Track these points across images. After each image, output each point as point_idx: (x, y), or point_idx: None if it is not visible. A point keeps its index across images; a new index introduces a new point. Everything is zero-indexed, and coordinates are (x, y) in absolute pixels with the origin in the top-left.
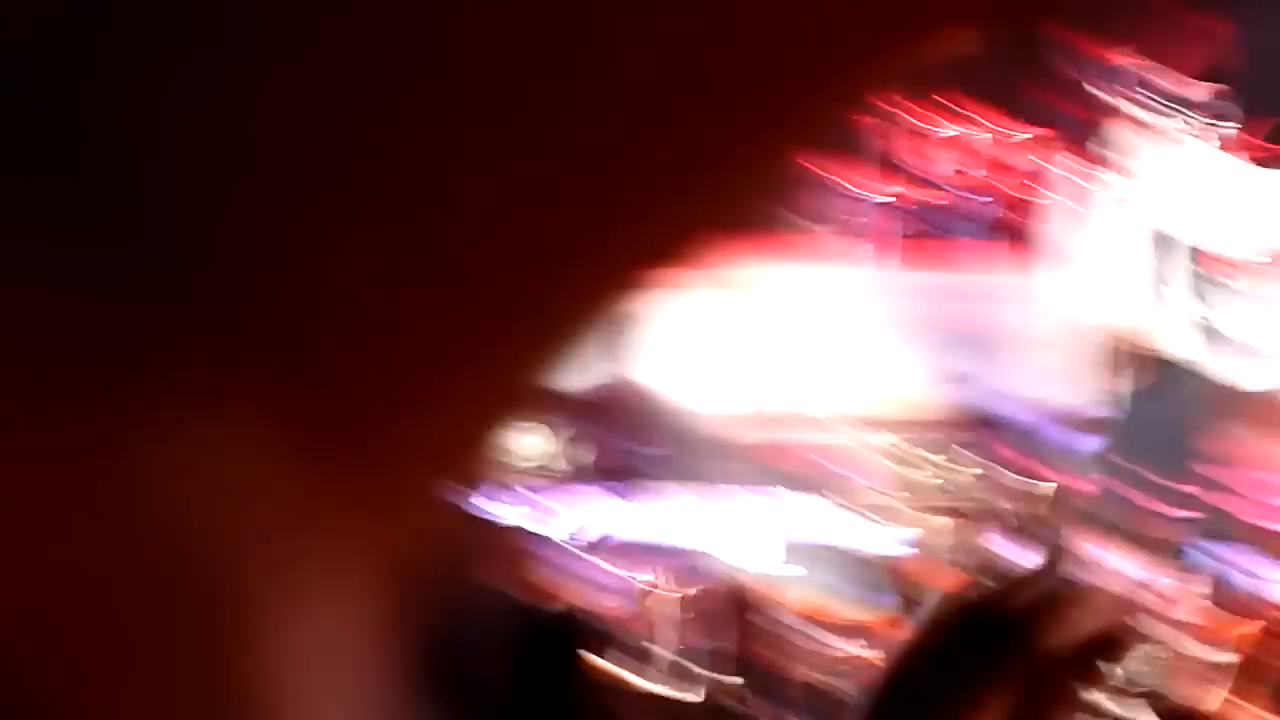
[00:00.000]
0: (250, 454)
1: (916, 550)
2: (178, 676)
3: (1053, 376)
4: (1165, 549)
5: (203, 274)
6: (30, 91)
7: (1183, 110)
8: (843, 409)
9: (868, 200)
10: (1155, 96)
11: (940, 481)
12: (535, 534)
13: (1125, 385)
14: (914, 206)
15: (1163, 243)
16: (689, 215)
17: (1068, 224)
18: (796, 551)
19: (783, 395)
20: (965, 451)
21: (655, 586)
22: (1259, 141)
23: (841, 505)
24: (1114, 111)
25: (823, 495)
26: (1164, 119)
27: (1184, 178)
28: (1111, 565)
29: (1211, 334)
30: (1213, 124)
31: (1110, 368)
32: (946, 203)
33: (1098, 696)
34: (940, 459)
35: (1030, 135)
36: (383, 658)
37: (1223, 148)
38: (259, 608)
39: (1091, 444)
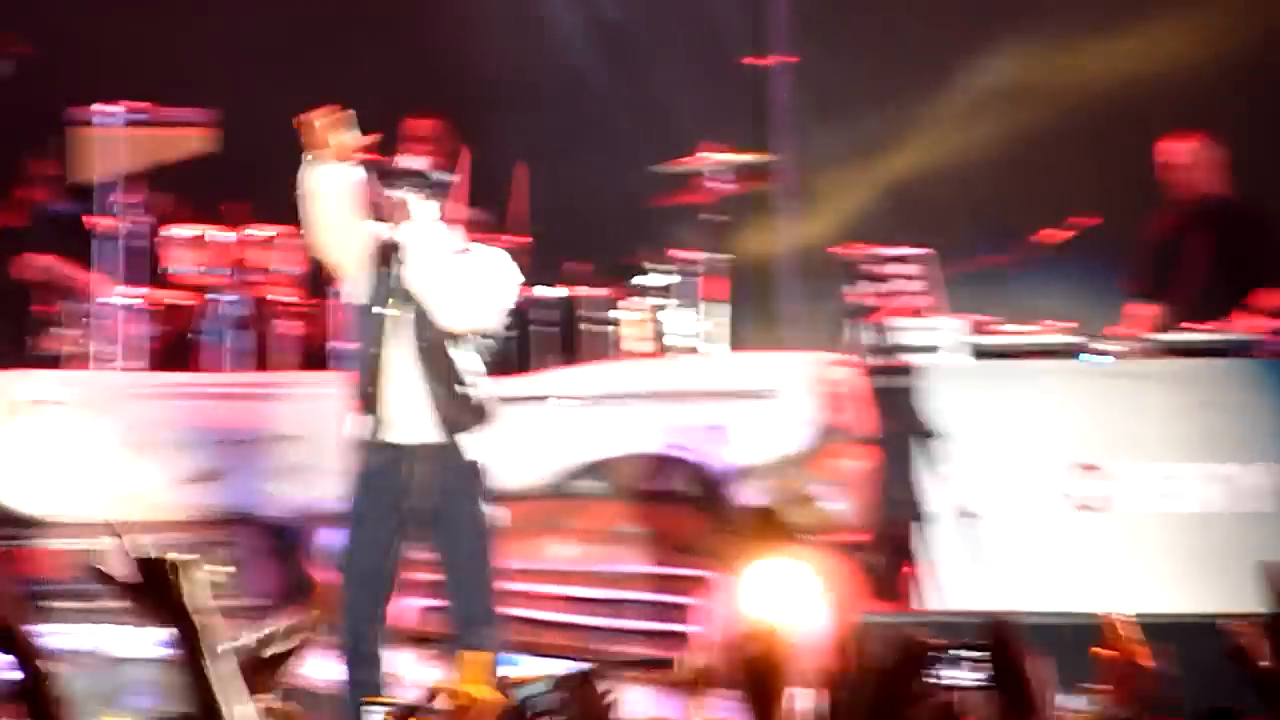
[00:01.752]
0: None
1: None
2: None
3: (308, 472)
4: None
5: None
6: None
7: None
8: (86, 512)
9: (114, 303)
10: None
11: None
12: None
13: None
14: (160, 307)
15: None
16: None
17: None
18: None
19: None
20: (222, 551)
21: None
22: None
23: (85, 609)
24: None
25: (66, 600)
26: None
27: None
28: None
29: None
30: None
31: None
32: (193, 302)
33: None
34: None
35: (274, 233)
36: None
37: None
38: None
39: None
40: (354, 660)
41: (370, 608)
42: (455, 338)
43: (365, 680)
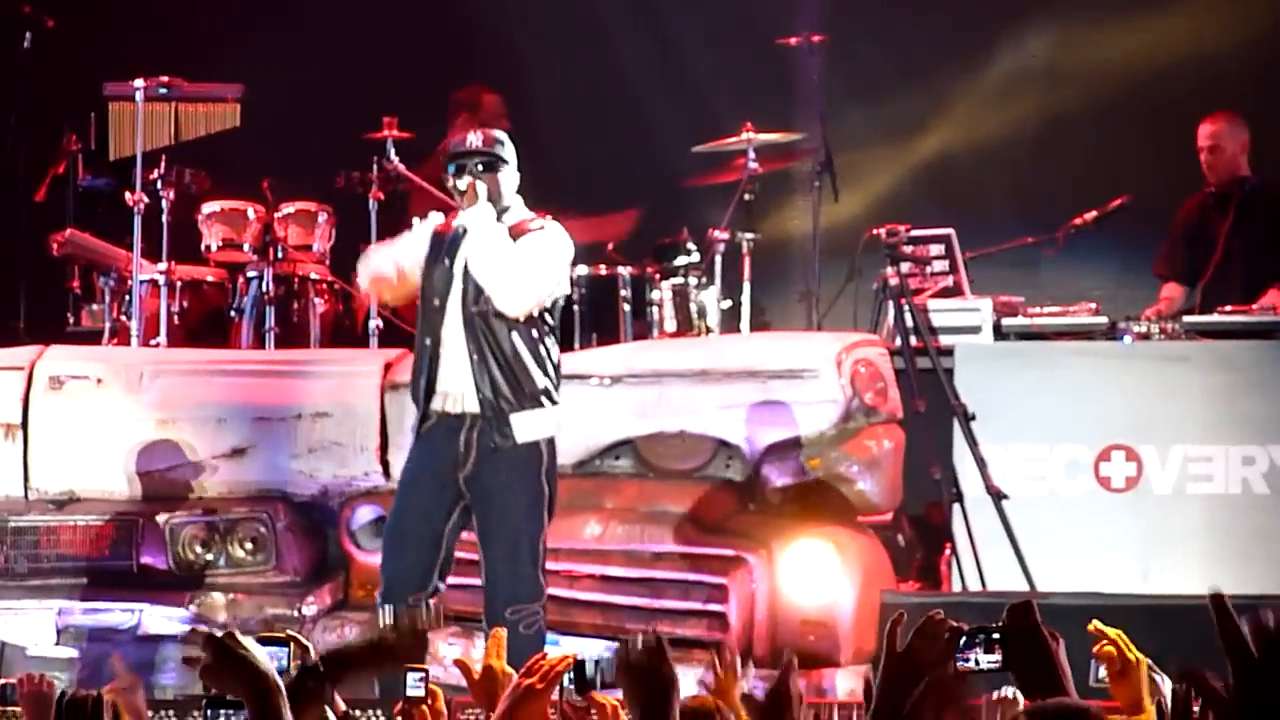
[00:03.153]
0: None
1: (195, 626)
2: None
3: (341, 449)
4: None
5: None
6: None
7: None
8: (118, 488)
9: (136, 278)
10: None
11: (214, 557)
12: None
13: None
14: (195, 283)
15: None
16: None
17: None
18: (71, 633)
19: (58, 477)
20: (246, 526)
21: None
22: None
23: (118, 586)
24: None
25: (99, 575)
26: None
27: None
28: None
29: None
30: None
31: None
32: (215, 278)
33: None
34: (220, 534)
35: (295, 210)
36: None
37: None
38: None
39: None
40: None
41: (410, 574)
42: (510, 319)
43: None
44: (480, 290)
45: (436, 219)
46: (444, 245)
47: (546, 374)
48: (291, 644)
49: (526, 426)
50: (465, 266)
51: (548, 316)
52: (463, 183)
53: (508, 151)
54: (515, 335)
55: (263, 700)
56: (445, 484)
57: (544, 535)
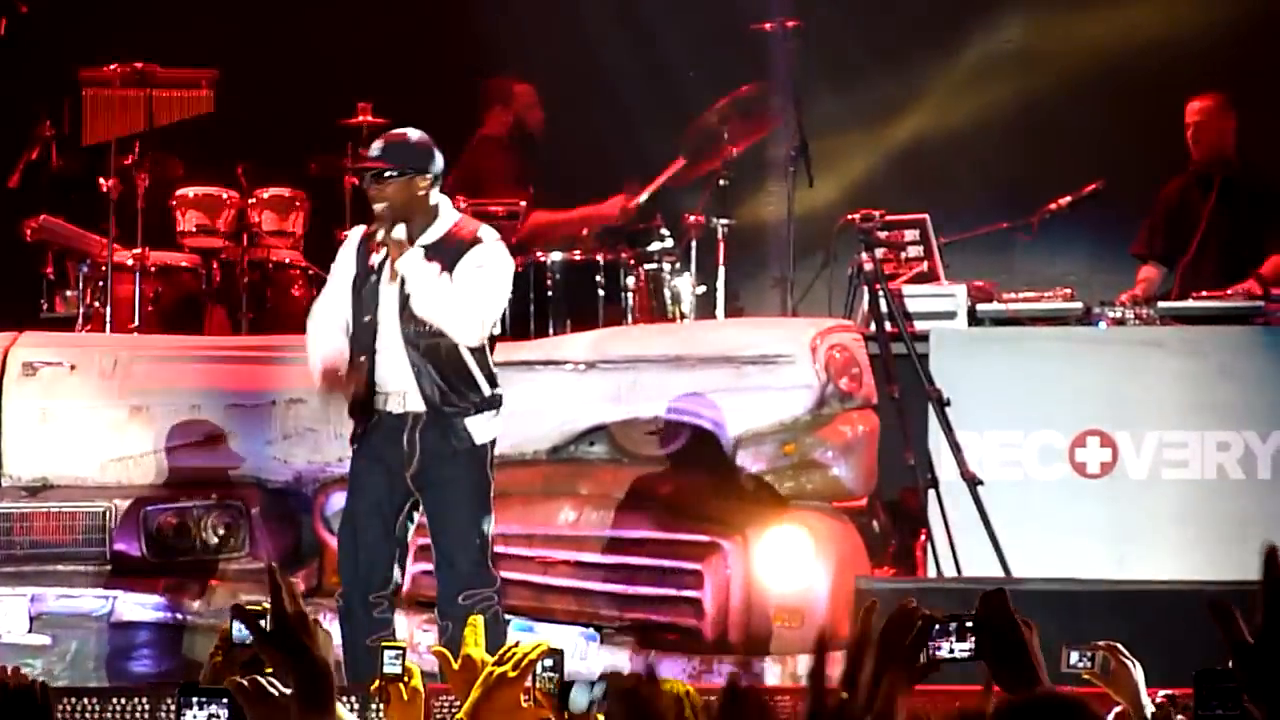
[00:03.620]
0: None
1: (169, 614)
2: None
3: (315, 435)
4: None
5: None
6: None
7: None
8: (91, 474)
9: (110, 264)
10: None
11: (188, 543)
12: None
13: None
14: (156, 268)
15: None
16: None
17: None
18: (45, 620)
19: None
20: (220, 513)
21: None
22: None
23: (91, 571)
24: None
25: (72, 562)
26: None
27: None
28: None
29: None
30: None
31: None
32: (188, 264)
33: None
34: (192, 522)
35: (270, 196)
36: None
37: None
38: None
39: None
40: (348, 621)
41: (371, 573)
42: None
43: (361, 640)
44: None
45: (356, 236)
46: (371, 262)
47: (488, 376)
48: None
49: (481, 429)
50: (401, 282)
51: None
52: (376, 205)
53: (416, 154)
54: (459, 346)
55: (317, 690)
56: (394, 482)
57: (490, 523)
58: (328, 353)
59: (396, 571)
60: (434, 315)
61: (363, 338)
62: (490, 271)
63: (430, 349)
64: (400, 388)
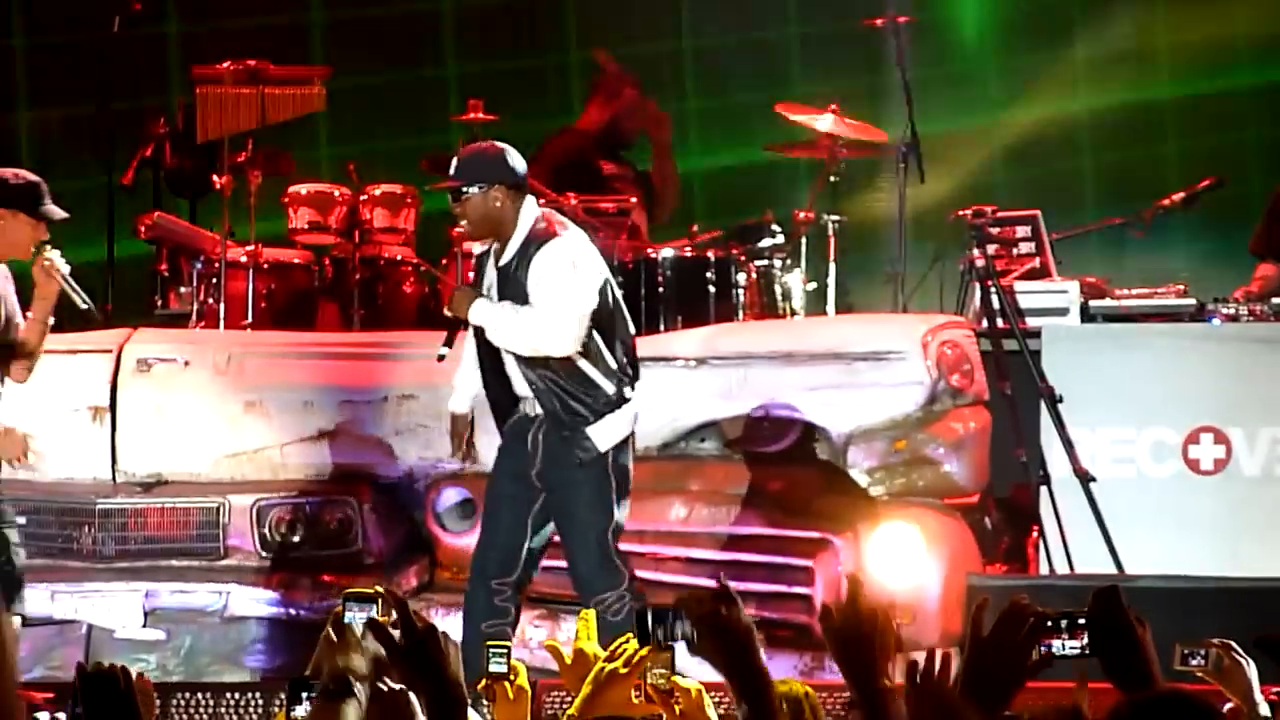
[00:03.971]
0: None
1: (283, 610)
2: None
3: (426, 431)
4: None
5: None
6: None
7: None
8: (205, 470)
9: (223, 261)
10: None
11: (301, 539)
12: None
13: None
14: (269, 264)
15: None
16: None
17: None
18: (159, 615)
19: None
20: (332, 508)
21: None
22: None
23: (205, 567)
24: None
25: (186, 558)
26: None
27: None
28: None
29: None
30: None
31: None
32: (301, 260)
33: None
34: (304, 517)
35: (381, 192)
36: None
37: None
38: None
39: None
40: (469, 605)
41: (499, 559)
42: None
43: (482, 635)
44: None
45: (479, 249)
46: (481, 274)
47: (610, 373)
48: (379, 600)
49: (605, 435)
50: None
51: (593, 319)
52: (460, 223)
53: (489, 167)
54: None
55: (448, 708)
56: (524, 478)
57: (614, 524)
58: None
59: (523, 563)
60: (518, 350)
61: (481, 338)
62: (552, 280)
63: (539, 361)
64: (525, 394)
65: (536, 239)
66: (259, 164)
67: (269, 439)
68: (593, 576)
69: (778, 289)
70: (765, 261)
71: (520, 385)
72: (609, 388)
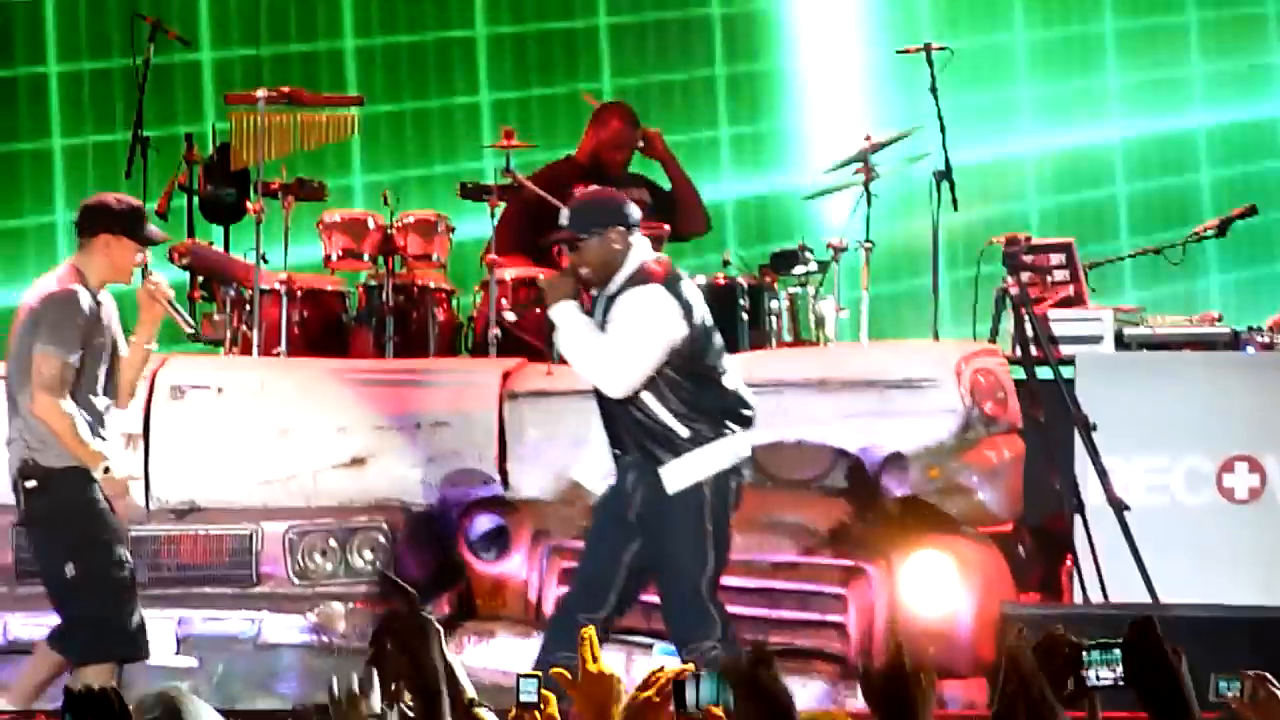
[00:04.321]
0: None
1: (315, 636)
2: None
3: (459, 458)
4: None
5: None
6: None
7: None
8: (237, 497)
9: (257, 288)
10: None
11: (334, 566)
12: None
13: None
14: (302, 291)
15: None
16: None
17: None
18: (192, 643)
19: (179, 486)
20: (365, 535)
21: None
22: None
23: (238, 594)
24: None
25: (219, 585)
26: None
27: None
28: None
29: None
30: None
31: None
32: (334, 287)
33: None
34: (339, 544)
35: (415, 219)
36: None
37: None
38: None
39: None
40: (551, 630)
41: (587, 593)
42: None
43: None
44: None
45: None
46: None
47: (682, 416)
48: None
49: (677, 475)
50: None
51: (673, 364)
52: (580, 271)
53: (601, 213)
54: (643, 394)
55: (430, 701)
56: (621, 517)
57: (710, 571)
58: None
59: (612, 603)
60: (577, 369)
61: None
62: (629, 323)
63: (626, 400)
64: (621, 432)
65: (634, 279)
66: (293, 190)
67: (302, 466)
68: (684, 623)
69: (810, 316)
70: (798, 288)
71: (616, 423)
72: (682, 430)
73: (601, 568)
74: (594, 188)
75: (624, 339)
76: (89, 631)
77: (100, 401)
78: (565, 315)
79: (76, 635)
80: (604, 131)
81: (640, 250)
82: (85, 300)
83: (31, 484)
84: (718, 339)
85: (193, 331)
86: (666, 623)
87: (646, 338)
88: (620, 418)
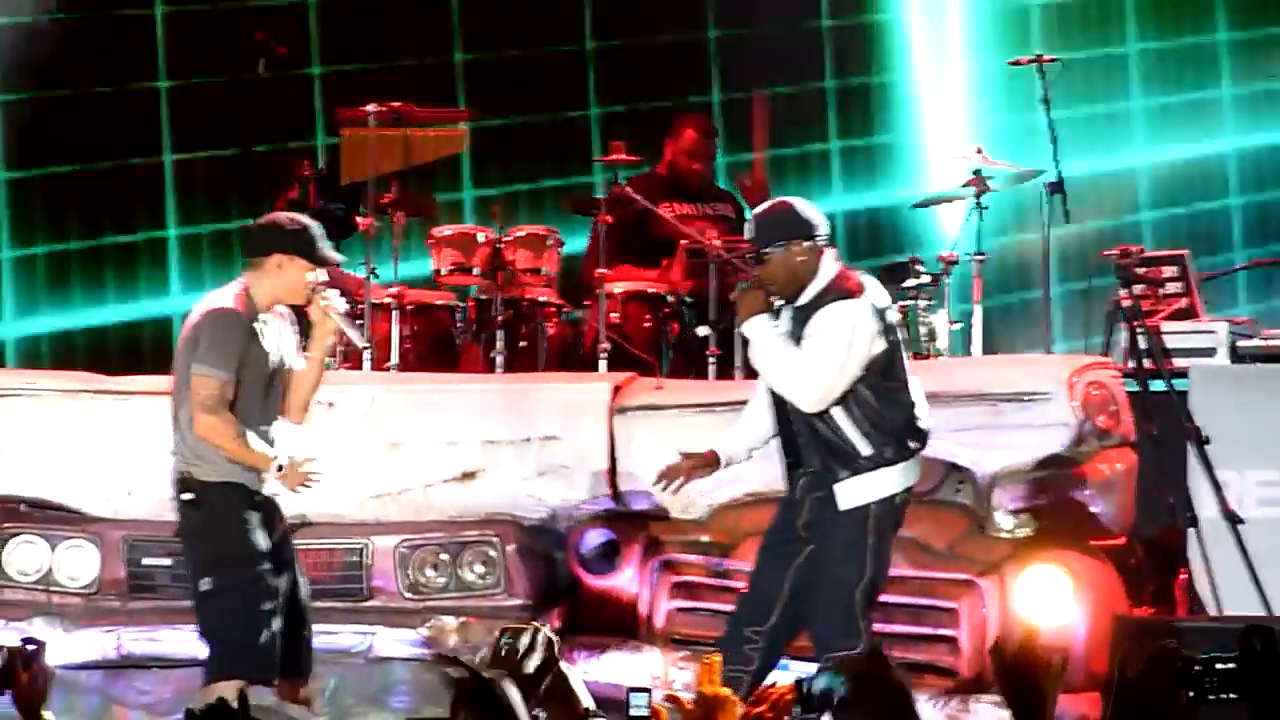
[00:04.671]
0: None
1: (426, 651)
2: None
3: (570, 473)
4: None
5: None
6: None
7: None
8: (349, 511)
9: (368, 303)
10: None
11: (445, 580)
12: None
13: None
14: (413, 306)
15: None
16: None
17: None
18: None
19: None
20: (476, 549)
21: None
22: None
23: (349, 608)
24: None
25: (331, 599)
26: None
27: None
28: None
29: None
30: None
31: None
32: (444, 302)
33: None
34: (449, 558)
35: (525, 233)
36: None
37: None
38: None
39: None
40: (720, 644)
41: (754, 607)
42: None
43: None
44: None
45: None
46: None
47: (869, 434)
48: (535, 632)
49: (852, 493)
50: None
51: (866, 380)
52: (767, 285)
53: (786, 225)
54: (833, 409)
55: None
56: (790, 530)
57: (865, 583)
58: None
59: (778, 614)
60: (771, 382)
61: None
62: (825, 337)
63: (812, 414)
64: (800, 445)
65: (832, 290)
66: (402, 205)
67: (413, 480)
68: (830, 629)
69: (922, 329)
70: (910, 301)
71: (797, 436)
72: (865, 449)
73: (767, 580)
74: (778, 199)
75: (822, 353)
76: (219, 647)
77: (260, 420)
78: (758, 330)
79: (209, 651)
80: (680, 142)
81: (831, 262)
82: (243, 320)
83: (188, 496)
84: (904, 351)
85: (367, 346)
86: (810, 630)
87: (846, 353)
88: (802, 431)
